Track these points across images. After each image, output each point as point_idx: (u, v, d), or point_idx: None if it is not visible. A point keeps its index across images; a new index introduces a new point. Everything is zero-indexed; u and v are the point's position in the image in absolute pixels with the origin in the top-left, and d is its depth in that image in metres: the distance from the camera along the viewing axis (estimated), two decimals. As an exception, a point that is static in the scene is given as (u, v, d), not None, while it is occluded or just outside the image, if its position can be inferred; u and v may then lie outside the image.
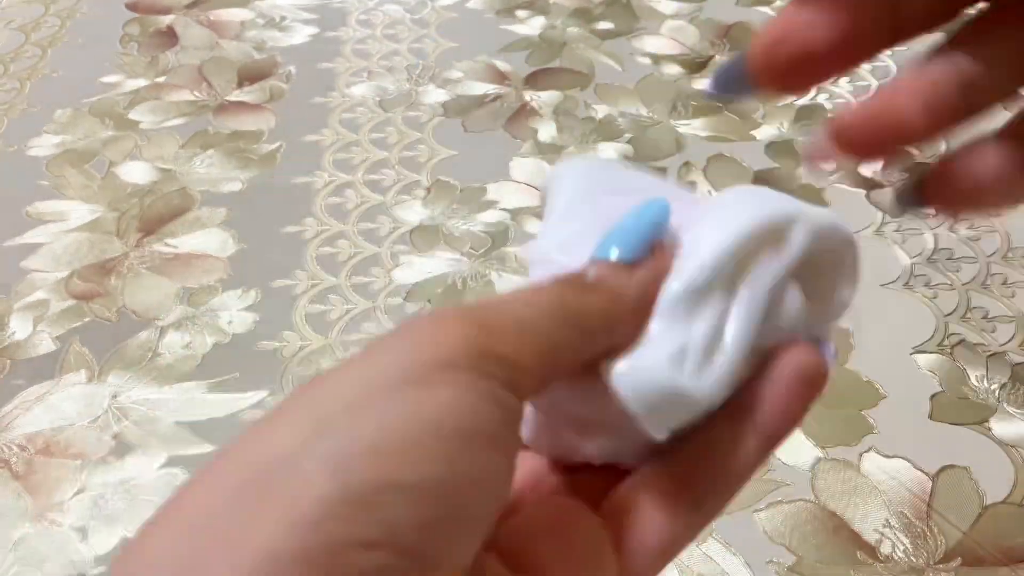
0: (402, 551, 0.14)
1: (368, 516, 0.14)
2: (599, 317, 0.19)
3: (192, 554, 0.13)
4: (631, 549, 0.19)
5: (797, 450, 0.51)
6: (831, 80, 0.19)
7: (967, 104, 0.19)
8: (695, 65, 0.85)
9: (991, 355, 0.56)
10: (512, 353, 0.17)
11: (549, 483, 0.22)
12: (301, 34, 0.92)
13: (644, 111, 0.79)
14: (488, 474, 0.16)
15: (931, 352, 0.57)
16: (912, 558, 0.46)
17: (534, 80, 0.83)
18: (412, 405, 0.15)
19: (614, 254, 0.20)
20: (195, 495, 0.15)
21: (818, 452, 0.51)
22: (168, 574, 0.13)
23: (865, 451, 0.51)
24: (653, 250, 0.20)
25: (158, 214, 0.70)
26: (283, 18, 0.94)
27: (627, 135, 0.76)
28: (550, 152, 0.74)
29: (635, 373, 0.19)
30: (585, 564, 0.19)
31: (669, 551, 0.20)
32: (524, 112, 0.79)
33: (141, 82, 0.85)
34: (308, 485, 0.14)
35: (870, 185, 0.70)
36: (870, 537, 0.47)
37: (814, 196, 0.69)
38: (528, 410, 0.21)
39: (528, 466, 0.22)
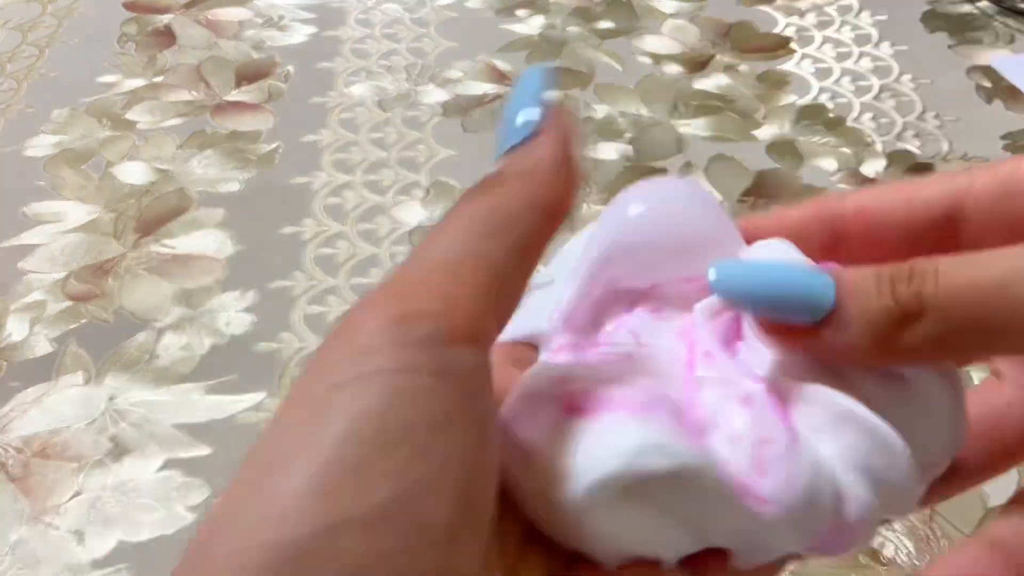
0: None
1: (323, 563, 0.12)
2: (522, 200, 0.17)
3: None
4: None
5: (799, 452, 0.51)
6: None
7: None
8: (696, 65, 0.84)
9: (994, 356, 0.56)
10: (438, 302, 0.15)
11: None
12: (299, 34, 0.91)
13: (645, 111, 0.78)
14: (446, 461, 0.14)
15: (934, 353, 0.56)
16: (915, 561, 0.46)
17: (534, 80, 0.83)
18: (343, 415, 0.13)
19: (510, 139, 0.18)
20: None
21: (820, 454, 0.51)
22: None
23: (868, 453, 0.51)
24: (547, 114, 0.18)
25: (156, 215, 0.70)
26: (281, 17, 0.94)
27: (627, 135, 0.76)
28: (550, 152, 0.74)
29: None
30: None
31: None
32: (524, 112, 0.79)
33: (139, 82, 0.85)
34: (249, 537, 0.13)
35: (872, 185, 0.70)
36: (873, 540, 0.47)
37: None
38: None
39: None
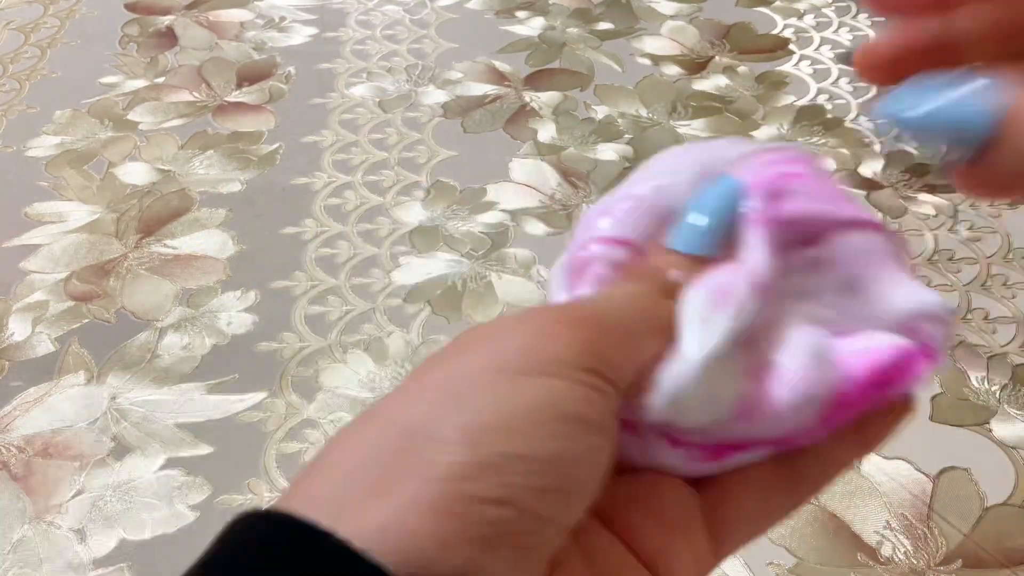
0: (521, 510, 0.17)
1: (495, 479, 0.17)
2: (669, 320, 0.21)
3: (345, 497, 0.17)
4: (724, 516, 0.22)
5: (797, 452, 0.51)
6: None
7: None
8: (695, 66, 0.85)
9: (992, 356, 0.56)
10: (610, 352, 0.19)
11: None
12: (300, 35, 0.92)
13: (644, 112, 0.79)
14: (593, 454, 0.19)
15: (931, 353, 0.57)
16: (913, 560, 0.46)
17: (534, 81, 0.83)
18: (533, 391, 0.18)
19: (693, 243, 0.22)
20: (344, 449, 0.18)
21: (818, 454, 0.51)
22: (324, 512, 0.16)
23: (865, 452, 0.51)
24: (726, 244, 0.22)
25: (157, 215, 0.70)
26: (282, 19, 0.94)
27: (627, 136, 0.76)
28: (550, 153, 0.74)
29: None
30: (674, 527, 0.21)
31: (761, 524, 0.22)
32: (524, 113, 0.79)
33: (140, 83, 0.85)
34: (445, 450, 0.17)
35: (870, 186, 0.70)
36: (870, 539, 0.47)
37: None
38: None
39: None
